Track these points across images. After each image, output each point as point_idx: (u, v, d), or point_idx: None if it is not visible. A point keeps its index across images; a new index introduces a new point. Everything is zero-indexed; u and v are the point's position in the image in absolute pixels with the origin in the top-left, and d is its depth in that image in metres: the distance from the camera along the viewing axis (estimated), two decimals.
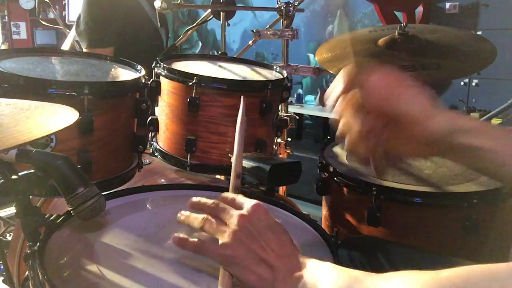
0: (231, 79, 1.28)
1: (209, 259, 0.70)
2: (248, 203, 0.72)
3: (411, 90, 0.76)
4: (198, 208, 0.75)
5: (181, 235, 0.72)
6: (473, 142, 0.71)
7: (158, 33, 2.27)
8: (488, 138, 0.71)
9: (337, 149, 1.43)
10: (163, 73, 1.25)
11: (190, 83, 1.18)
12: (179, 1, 1.87)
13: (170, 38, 2.92)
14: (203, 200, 0.76)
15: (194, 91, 1.18)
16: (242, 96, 1.00)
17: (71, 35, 2.32)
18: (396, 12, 3.43)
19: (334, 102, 0.81)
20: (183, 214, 0.75)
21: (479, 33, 3.39)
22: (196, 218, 0.73)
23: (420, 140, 0.74)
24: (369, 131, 0.76)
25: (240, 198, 0.74)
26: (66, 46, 2.39)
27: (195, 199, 0.77)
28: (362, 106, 0.77)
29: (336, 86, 0.81)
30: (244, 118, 0.97)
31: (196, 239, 0.71)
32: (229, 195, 0.76)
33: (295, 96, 4.68)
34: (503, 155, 0.70)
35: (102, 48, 2.01)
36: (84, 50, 2.08)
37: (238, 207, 0.72)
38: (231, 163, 1.14)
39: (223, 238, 0.68)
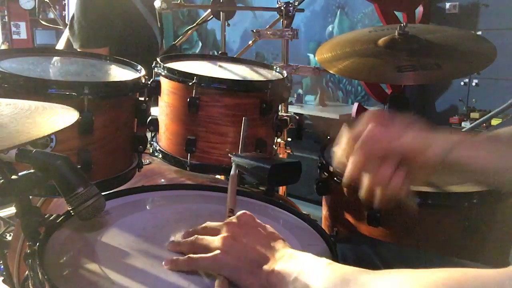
0: (231, 79, 1.28)
1: (203, 270, 0.71)
2: (234, 216, 0.76)
3: (406, 127, 0.80)
4: (179, 246, 0.77)
5: (173, 258, 0.74)
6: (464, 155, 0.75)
7: (153, 32, 2.27)
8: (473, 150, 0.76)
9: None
10: (163, 73, 1.25)
11: (190, 83, 1.18)
12: (179, 1, 1.87)
13: (170, 38, 2.92)
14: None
15: (194, 91, 1.18)
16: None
17: (66, 34, 2.31)
18: (396, 12, 3.42)
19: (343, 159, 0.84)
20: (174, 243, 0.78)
21: (479, 33, 3.39)
22: (186, 242, 0.76)
23: (428, 166, 0.78)
24: (386, 176, 0.79)
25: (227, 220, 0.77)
26: (60, 45, 2.37)
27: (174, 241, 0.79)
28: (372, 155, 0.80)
29: (341, 146, 0.86)
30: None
31: (186, 257, 0.72)
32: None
33: (295, 96, 4.68)
34: (488, 162, 0.75)
35: (95, 49, 1.99)
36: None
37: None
38: (231, 163, 1.15)
39: (214, 246, 0.71)
